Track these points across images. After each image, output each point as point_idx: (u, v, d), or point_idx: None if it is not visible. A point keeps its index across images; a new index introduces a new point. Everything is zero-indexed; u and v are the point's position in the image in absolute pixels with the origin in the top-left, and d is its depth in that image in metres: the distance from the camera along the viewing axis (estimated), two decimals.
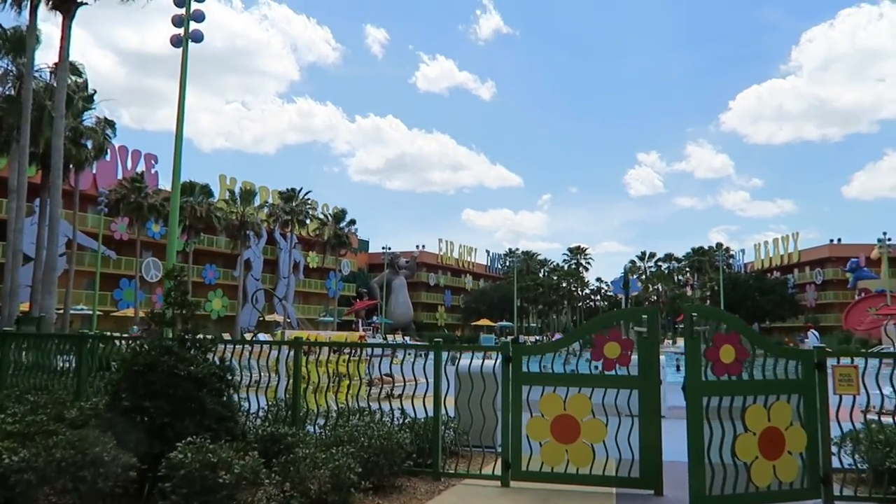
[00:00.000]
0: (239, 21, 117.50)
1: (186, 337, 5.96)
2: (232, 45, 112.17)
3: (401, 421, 7.01)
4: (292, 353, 7.21)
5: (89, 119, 37.13)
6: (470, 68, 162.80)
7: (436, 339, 6.67)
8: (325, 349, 7.76)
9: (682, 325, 61.91)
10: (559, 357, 6.68)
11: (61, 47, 17.95)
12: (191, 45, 15.08)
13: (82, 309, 43.17)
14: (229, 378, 6.02)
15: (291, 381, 7.11)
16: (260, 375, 7.93)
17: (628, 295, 17.08)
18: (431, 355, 6.75)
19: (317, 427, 7.21)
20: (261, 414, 7.48)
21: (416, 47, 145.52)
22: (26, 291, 36.32)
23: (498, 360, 7.17)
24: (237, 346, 7.61)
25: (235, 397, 6.59)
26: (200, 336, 6.03)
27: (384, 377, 13.79)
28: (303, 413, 7.34)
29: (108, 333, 9.32)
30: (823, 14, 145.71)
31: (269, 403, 7.75)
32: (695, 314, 5.82)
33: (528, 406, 6.41)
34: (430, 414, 6.67)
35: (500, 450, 7.87)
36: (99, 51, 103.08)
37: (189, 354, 5.72)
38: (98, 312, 43.23)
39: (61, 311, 36.70)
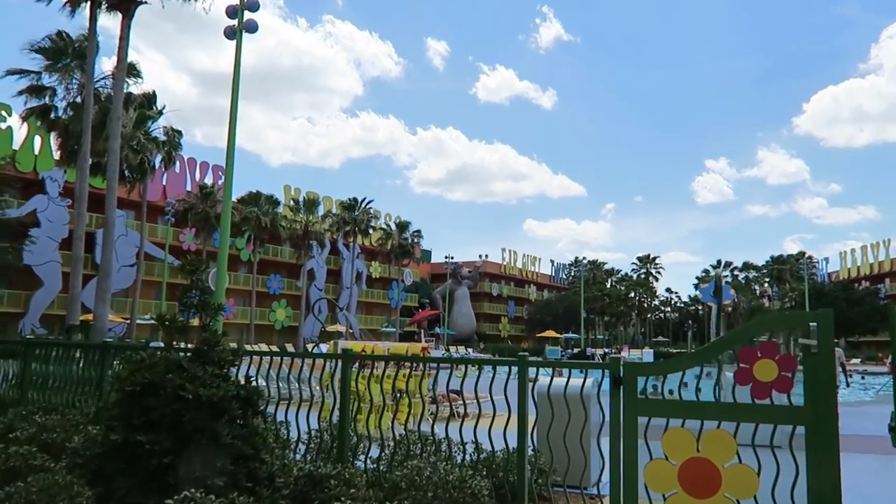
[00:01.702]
0: (304, 39, 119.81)
1: (204, 348, 4.64)
2: (298, 62, 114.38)
3: (473, 456, 5.54)
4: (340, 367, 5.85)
5: (157, 129, 37.55)
6: (531, 77, 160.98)
7: (520, 353, 5.15)
8: (382, 363, 6.37)
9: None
10: (672, 377, 5.08)
11: (119, 47, 17.49)
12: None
13: (150, 319, 43.55)
14: (256, 402, 4.66)
15: (339, 403, 5.72)
16: (301, 394, 6.59)
17: (721, 304, 15.21)
18: (514, 371, 5.25)
19: (369, 461, 5.80)
20: (305, 441, 6.16)
21: (476, 58, 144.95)
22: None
23: (587, 380, 5.63)
24: (276, 359, 6.29)
25: (266, 425, 5.25)
26: (221, 347, 4.70)
27: (451, 394, 12.37)
28: (353, 442, 5.97)
29: (141, 341, 8.18)
30: None
31: (318, 428, 6.39)
32: None
33: (645, 442, 4.80)
34: (506, 443, 5.18)
35: (593, 491, 6.29)
36: (174, 73, 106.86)
37: (202, 372, 4.38)
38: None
39: (128, 321, 37.00)
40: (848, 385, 26.34)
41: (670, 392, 4.91)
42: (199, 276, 4.86)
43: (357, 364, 6.89)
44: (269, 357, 6.29)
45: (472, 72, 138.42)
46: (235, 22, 13.97)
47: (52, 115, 24.12)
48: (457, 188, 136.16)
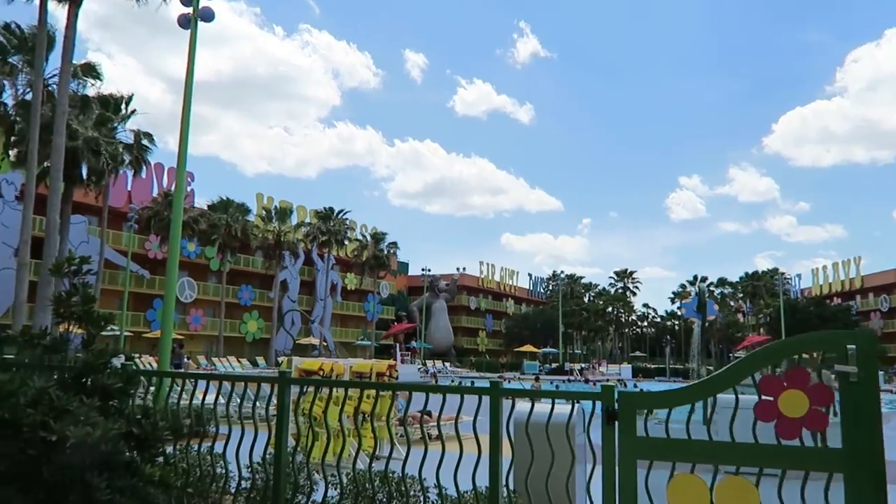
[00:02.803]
0: (281, 48, 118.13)
1: (85, 372, 3.61)
2: (275, 71, 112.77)
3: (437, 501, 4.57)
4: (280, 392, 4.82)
5: (123, 132, 36.17)
6: (508, 91, 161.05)
7: (493, 381, 4.19)
8: (338, 388, 5.36)
9: (741, 354, 57.74)
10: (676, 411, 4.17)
11: (66, 37, 16.33)
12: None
13: (113, 330, 41.83)
14: (156, 442, 3.63)
15: (273, 436, 4.70)
16: (241, 422, 5.55)
17: (705, 319, 14.14)
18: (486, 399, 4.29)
19: None
20: (247, 477, 5.12)
21: (453, 71, 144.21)
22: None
23: (573, 408, 4.70)
24: (191, 382, 5.24)
25: (171, 466, 4.20)
26: (110, 370, 3.66)
27: (423, 415, 11.36)
28: (294, 481, 4.94)
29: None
30: (869, 34, 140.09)
31: (261, 462, 5.33)
32: None
33: (646, 492, 3.87)
34: (475, 485, 4.20)
35: None
36: (147, 78, 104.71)
37: (78, 404, 3.34)
38: (128, 333, 41.86)
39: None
40: None
41: (690, 426, 3.98)
42: (78, 278, 3.82)
43: (304, 388, 5.88)
44: (192, 379, 5.23)
45: (449, 85, 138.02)
46: (190, 10, 12.96)
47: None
48: (435, 201, 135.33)
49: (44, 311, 16.60)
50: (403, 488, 4.92)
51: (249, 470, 4.92)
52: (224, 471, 4.94)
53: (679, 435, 3.90)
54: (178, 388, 5.15)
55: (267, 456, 5.19)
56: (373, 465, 4.78)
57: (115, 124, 35.47)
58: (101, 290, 44.02)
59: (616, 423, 3.91)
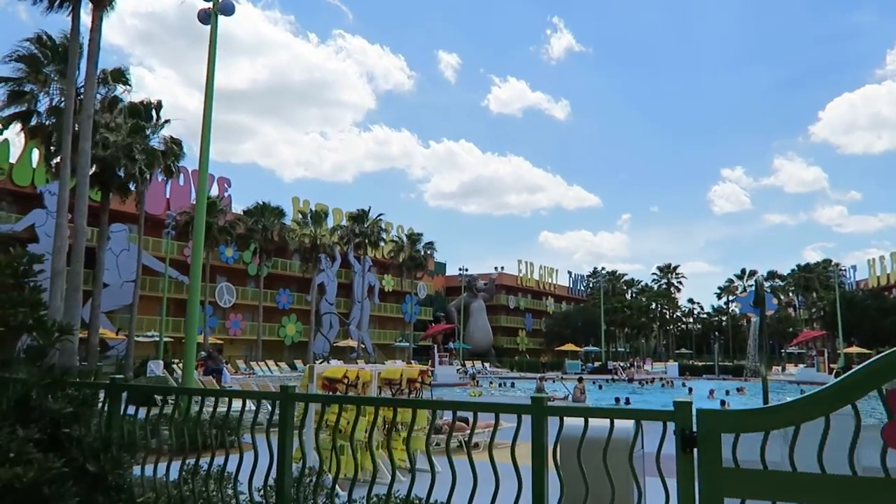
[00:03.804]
0: (316, 54, 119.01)
1: (26, 392, 2.92)
2: (310, 77, 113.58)
3: None
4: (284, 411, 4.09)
5: (156, 139, 36.30)
6: (543, 88, 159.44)
7: (535, 396, 3.37)
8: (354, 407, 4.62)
9: (794, 350, 54.98)
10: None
11: (91, 39, 16.11)
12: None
13: (154, 336, 42.17)
14: (115, 480, 2.92)
15: (276, 466, 3.96)
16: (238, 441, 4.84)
17: (764, 314, 13.00)
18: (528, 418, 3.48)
19: None
20: None
21: (487, 70, 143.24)
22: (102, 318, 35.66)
23: (639, 432, 3.88)
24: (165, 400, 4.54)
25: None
26: (62, 393, 2.97)
27: (457, 421, 10.60)
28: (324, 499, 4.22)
29: None
30: None
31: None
32: None
33: None
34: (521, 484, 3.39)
35: None
36: (186, 89, 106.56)
37: (12, 438, 2.65)
38: (168, 339, 42.13)
39: (132, 338, 35.56)
40: None
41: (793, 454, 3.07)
42: (27, 280, 3.14)
43: (322, 405, 5.16)
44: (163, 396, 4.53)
45: (483, 84, 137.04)
46: (210, 5, 12.46)
47: (34, 121, 22.77)
48: (471, 201, 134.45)
49: (72, 319, 16.35)
50: None
51: (248, 501, 4.19)
52: (219, 500, 4.22)
53: (779, 466, 3.02)
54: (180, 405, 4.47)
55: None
56: (399, 489, 4.01)
57: (148, 132, 35.66)
58: (142, 296, 44.48)
59: (695, 450, 3.06)
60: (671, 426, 3.18)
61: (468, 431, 4.25)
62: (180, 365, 33.30)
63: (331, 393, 7.90)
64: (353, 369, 8.05)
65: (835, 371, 42.83)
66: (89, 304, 31.53)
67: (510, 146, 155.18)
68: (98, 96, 25.57)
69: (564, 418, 3.44)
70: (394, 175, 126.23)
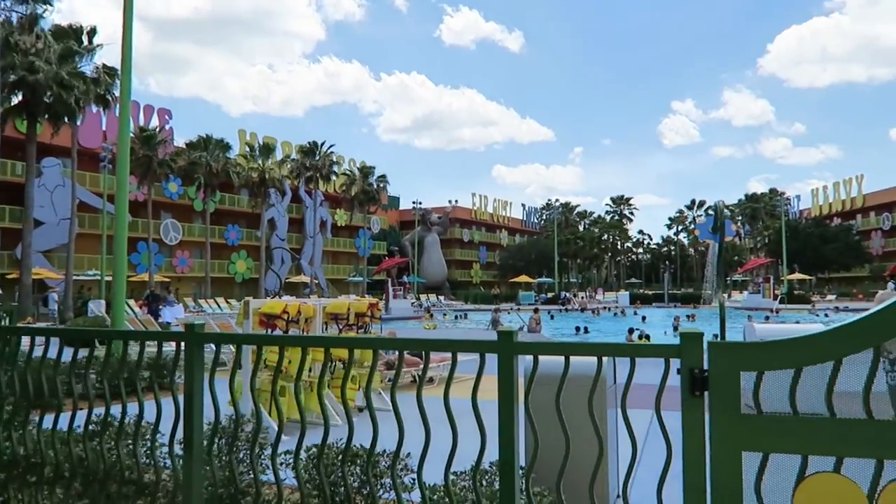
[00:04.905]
0: None
1: None
2: (255, 5, 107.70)
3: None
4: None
5: (86, 65, 33.67)
6: (496, 18, 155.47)
7: (502, 331, 2.67)
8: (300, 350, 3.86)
9: (739, 278, 56.54)
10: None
11: None
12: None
13: (96, 274, 40.32)
14: None
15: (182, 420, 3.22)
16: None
17: (723, 240, 12.61)
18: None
19: None
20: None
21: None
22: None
23: (600, 367, 3.24)
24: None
25: None
26: None
27: (410, 356, 10.01)
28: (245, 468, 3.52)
29: None
30: None
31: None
32: None
33: (757, 498, 2.41)
34: (475, 480, 2.76)
35: None
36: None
37: None
38: (109, 278, 40.38)
39: (69, 277, 33.82)
40: None
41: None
42: None
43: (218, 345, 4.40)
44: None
45: (436, 13, 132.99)
46: None
47: None
48: (424, 135, 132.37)
49: None
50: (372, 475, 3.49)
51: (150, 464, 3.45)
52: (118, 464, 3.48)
53: (811, 409, 2.42)
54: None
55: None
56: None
57: (80, 59, 32.97)
58: (81, 234, 42.34)
59: (706, 393, 2.42)
60: (674, 364, 2.54)
61: (422, 366, 3.60)
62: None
63: (269, 330, 7.16)
64: (293, 304, 7.29)
65: (779, 297, 44.20)
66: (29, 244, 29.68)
67: (463, 79, 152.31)
68: (14, 15, 23.19)
69: (539, 357, 2.75)
70: (345, 109, 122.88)
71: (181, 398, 3.25)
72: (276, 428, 3.24)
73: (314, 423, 5.39)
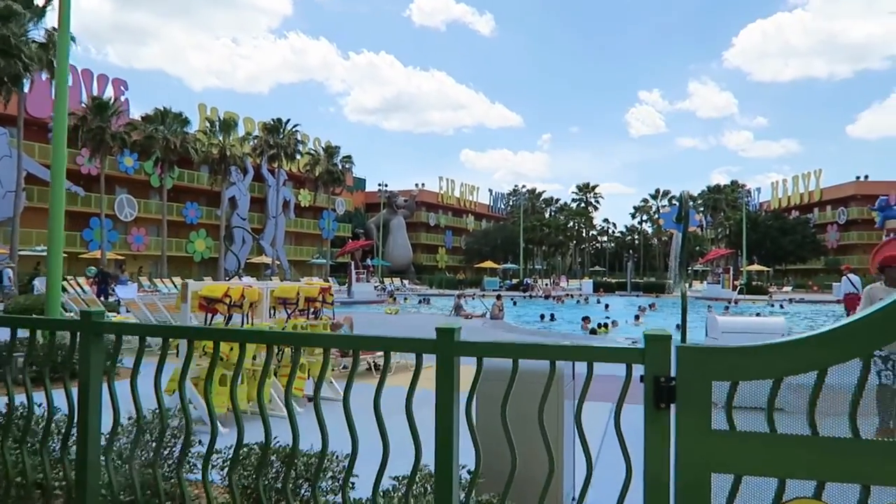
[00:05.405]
0: None
1: None
2: None
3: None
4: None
5: (36, 30, 32.11)
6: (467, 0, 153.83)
7: (441, 328, 2.30)
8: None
9: (700, 268, 57.19)
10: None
11: None
12: None
13: (42, 250, 38.77)
14: None
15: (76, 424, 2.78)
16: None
17: (686, 230, 12.53)
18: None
19: None
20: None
21: None
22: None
23: (553, 372, 2.89)
24: None
25: None
26: None
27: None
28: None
29: None
30: None
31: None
32: None
33: None
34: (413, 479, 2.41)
35: None
36: None
37: None
38: (63, 254, 38.86)
39: (14, 252, 32.41)
40: None
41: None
42: None
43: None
44: None
45: None
46: None
47: None
48: (393, 117, 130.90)
49: None
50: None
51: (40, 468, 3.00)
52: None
53: (786, 427, 2.09)
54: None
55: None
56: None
57: (26, 21, 31.38)
58: (30, 208, 40.64)
59: (672, 405, 2.09)
60: (637, 370, 2.20)
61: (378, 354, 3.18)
62: (74, 282, 30.77)
63: (209, 315, 6.66)
64: (236, 287, 6.79)
65: (738, 288, 44.88)
66: None
67: (433, 61, 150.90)
68: None
69: (484, 359, 2.37)
70: (312, 87, 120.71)
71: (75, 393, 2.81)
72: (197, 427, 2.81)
73: (255, 418, 4.97)
